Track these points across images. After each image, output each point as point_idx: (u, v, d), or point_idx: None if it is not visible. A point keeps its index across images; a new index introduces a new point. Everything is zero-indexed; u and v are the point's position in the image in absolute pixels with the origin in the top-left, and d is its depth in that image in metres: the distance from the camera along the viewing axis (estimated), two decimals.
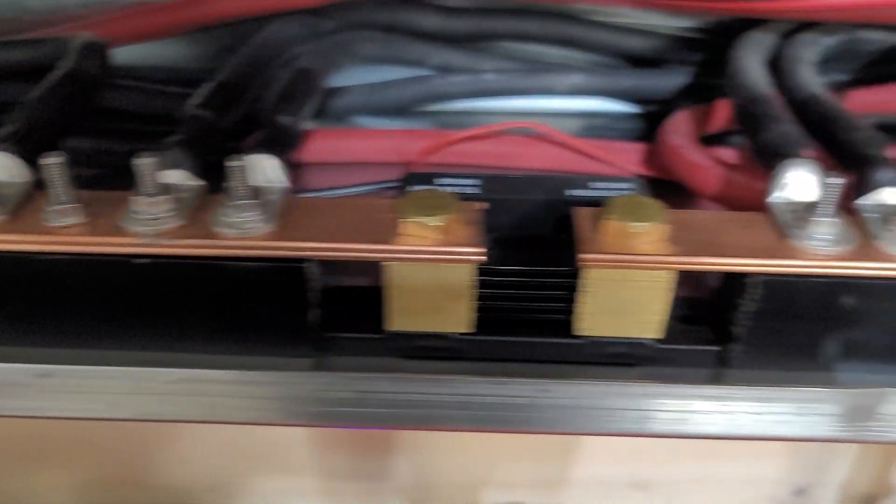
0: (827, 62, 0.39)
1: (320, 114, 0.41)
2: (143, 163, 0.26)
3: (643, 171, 0.38)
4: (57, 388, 0.26)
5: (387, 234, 0.26)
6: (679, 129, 0.36)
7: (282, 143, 0.29)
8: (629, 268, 0.26)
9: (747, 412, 0.27)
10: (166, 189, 0.27)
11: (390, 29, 0.40)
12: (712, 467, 0.76)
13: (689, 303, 0.29)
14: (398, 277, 0.27)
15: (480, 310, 0.28)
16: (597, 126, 0.44)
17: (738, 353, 0.28)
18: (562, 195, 0.30)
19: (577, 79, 0.41)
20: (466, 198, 0.29)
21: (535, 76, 0.41)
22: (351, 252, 0.26)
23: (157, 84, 0.42)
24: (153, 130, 0.40)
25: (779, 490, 0.79)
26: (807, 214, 0.26)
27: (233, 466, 0.79)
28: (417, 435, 0.74)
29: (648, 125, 0.44)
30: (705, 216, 0.28)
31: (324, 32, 0.38)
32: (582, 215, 0.27)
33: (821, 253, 0.26)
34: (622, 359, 0.28)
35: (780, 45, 0.37)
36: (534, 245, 0.28)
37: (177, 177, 0.28)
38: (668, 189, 0.37)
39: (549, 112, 0.44)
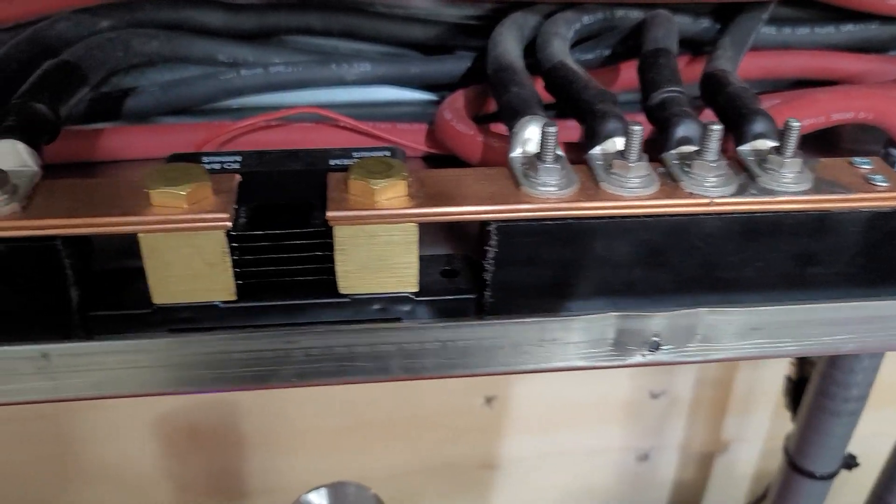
0: (589, 39, 0.42)
1: (116, 115, 0.41)
2: None
3: (427, 148, 0.40)
4: None
5: (136, 206, 0.27)
6: (453, 106, 0.38)
7: (32, 130, 0.29)
8: (372, 222, 0.27)
9: (490, 348, 0.28)
10: None
11: (174, 27, 0.41)
12: (557, 440, 0.79)
13: (447, 258, 0.31)
14: (152, 248, 0.27)
15: (244, 277, 0.28)
16: (395, 113, 0.45)
17: (490, 298, 0.29)
18: (321, 165, 0.31)
19: (364, 68, 0.42)
20: (227, 173, 0.30)
21: (324, 67, 0.42)
22: (101, 226, 0.26)
23: None
24: None
25: (623, 457, 0.83)
26: (533, 163, 0.29)
27: None
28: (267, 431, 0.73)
29: None
30: (446, 173, 0.30)
31: (100, 31, 0.38)
32: (334, 178, 0.29)
33: (547, 197, 0.28)
34: (387, 314, 0.30)
35: (541, 23, 0.40)
36: (291, 211, 0.29)
37: None
38: (450, 164, 0.39)
39: (348, 103, 0.45)
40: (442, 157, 0.40)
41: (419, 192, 0.28)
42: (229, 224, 0.27)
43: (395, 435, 0.76)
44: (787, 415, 0.70)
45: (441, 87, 0.46)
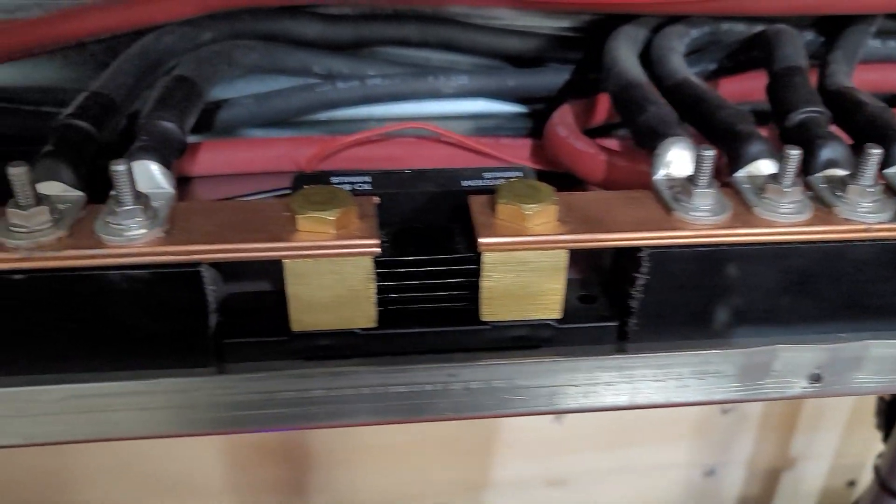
0: (694, 53, 0.41)
1: (208, 127, 0.40)
2: (15, 172, 0.24)
3: (531, 164, 0.39)
4: None
5: (282, 231, 0.26)
6: (564, 121, 0.37)
7: (164, 149, 0.28)
8: (526, 249, 0.26)
9: (651, 380, 0.27)
10: (42, 200, 0.25)
11: (271, 38, 0.40)
12: (624, 456, 0.78)
13: (581, 283, 0.30)
14: (297, 275, 0.26)
15: (383, 303, 0.27)
16: (484, 126, 0.45)
17: (635, 326, 0.28)
18: (454, 186, 0.30)
19: (462, 80, 0.41)
20: (359, 194, 0.29)
21: (421, 79, 0.41)
22: (247, 252, 0.25)
23: (30, 105, 0.40)
24: (28, 151, 0.39)
25: (689, 472, 0.82)
26: (686, 188, 0.28)
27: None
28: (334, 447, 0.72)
29: (533, 123, 0.45)
30: (591, 196, 0.29)
31: (203, 43, 0.37)
32: (477, 202, 0.28)
33: (703, 223, 0.27)
34: (526, 342, 0.29)
35: (649, 37, 0.39)
36: (431, 235, 0.28)
37: (53, 188, 0.27)
38: (556, 181, 0.38)
39: (436, 115, 0.44)
40: (544, 173, 0.39)
41: (568, 216, 0.27)
42: (378, 250, 0.26)
43: (462, 451, 0.75)
44: (856, 432, 0.69)
45: (534, 100, 0.45)
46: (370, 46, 0.42)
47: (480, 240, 0.26)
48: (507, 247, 0.26)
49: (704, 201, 0.27)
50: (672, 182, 0.29)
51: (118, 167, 0.25)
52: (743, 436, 0.80)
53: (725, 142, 0.30)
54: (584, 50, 0.43)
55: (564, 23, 0.44)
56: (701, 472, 0.81)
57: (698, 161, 0.27)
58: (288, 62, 0.40)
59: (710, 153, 0.27)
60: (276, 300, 0.28)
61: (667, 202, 0.28)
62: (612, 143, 0.38)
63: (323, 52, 0.41)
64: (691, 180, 0.27)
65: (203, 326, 0.26)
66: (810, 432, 0.81)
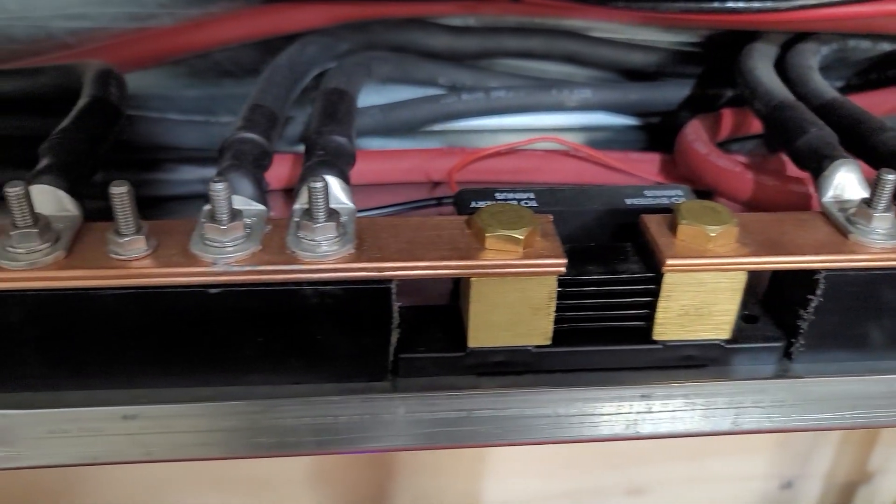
0: (821, 70, 0.41)
1: None
2: (217, 188, 0.25)
3: (661, 179, 0.39)
4: (142, 431, 0.24)
5: (469, 249, 0.26)
6: (700, 138, 0.37)
7: (341, 163, 0.29)
8: (710, 270, 0.27)
9: (829, 401, 0.27)
10: (236, 215, 0.26)
11: (401, 49, 0.40)
12: (703, 466, 0.78)
13: (745, 302, 0.30)
14: (482, 293, 0.26)
15: (557, 321, 0.28)
16: (595, 139, 0.45)
17: (801, 347, 0.28)
18: (618, 205, 0.30)
19: (585, 94, 0.42)
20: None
21: (545, 92, 0.41)
22: (438, 269, 0.26)
23: (154, 112, 0.41)
24: (153, 159, 0.39)
25: (767, 484, 0.82)
26: (863, 210, 0.28)
27: None
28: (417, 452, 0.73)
29: (647, 136, 0.45)
30: (762, 218, 0.29)
31: (341, 54, 0.38)
32: (653, 222, 0.28)
33: (882, 246, 0.27)
34: (695, 361, 0.29)
35: (780, 55, 0.39)
36: (603, 254, 0.29)
37: (237, 202, 0.27)
38: None
39: (549, 127, 0.45)
40: None
41: (746, 238, 0.27)
42: (563, 269, 0.26)
43: (541, 459, 0.75)
44: None
45: (649, 114, 0.45)
46: (493, 58, 0.43)
47: (667, 260, 0.26)
48: (690, 268, 0.26)
49: (883, 224, 0.27)
50: (843, 204, 0.29)
51: (316, 184, 0.25)
52: (822, 449, 0.80)
53: (890, 164, 0.30)
54: (703, 64, 0.44)
55: (682, 37, 0.44)
56: (778, 484, 0.81)
57: (878, 184, 0.27)
58: (417, 73, 0.41)
59: (892, 177, 0.27)
60: (444, 314, 0.29)
61: (841, 225, 0.28)
62: (741, 159, 0.38)
63: (448, 63, 0.41)
64: (868, 203, 0.27)
65: (385, 342, 0.27)
66: (889, 446, 0.81)
